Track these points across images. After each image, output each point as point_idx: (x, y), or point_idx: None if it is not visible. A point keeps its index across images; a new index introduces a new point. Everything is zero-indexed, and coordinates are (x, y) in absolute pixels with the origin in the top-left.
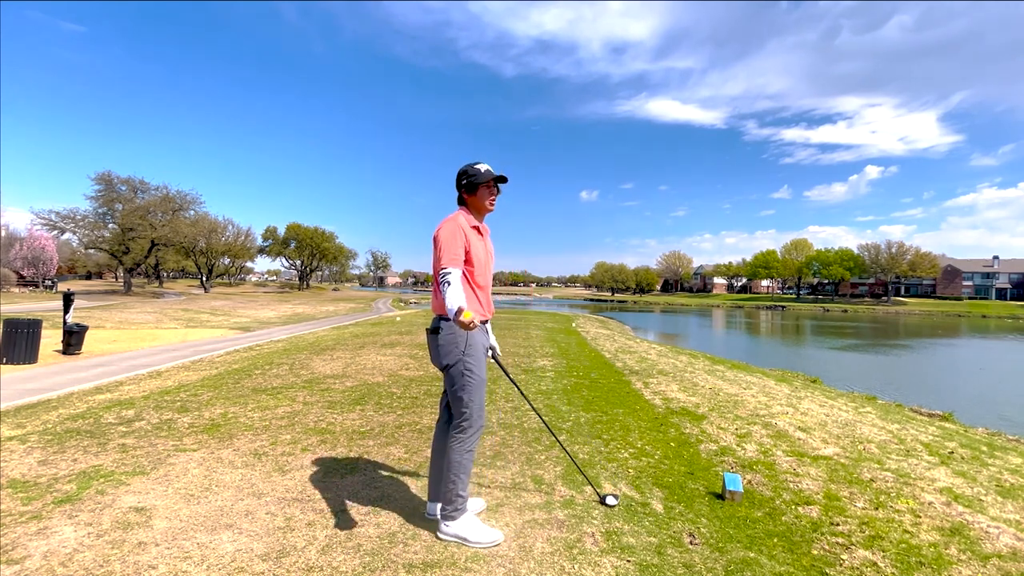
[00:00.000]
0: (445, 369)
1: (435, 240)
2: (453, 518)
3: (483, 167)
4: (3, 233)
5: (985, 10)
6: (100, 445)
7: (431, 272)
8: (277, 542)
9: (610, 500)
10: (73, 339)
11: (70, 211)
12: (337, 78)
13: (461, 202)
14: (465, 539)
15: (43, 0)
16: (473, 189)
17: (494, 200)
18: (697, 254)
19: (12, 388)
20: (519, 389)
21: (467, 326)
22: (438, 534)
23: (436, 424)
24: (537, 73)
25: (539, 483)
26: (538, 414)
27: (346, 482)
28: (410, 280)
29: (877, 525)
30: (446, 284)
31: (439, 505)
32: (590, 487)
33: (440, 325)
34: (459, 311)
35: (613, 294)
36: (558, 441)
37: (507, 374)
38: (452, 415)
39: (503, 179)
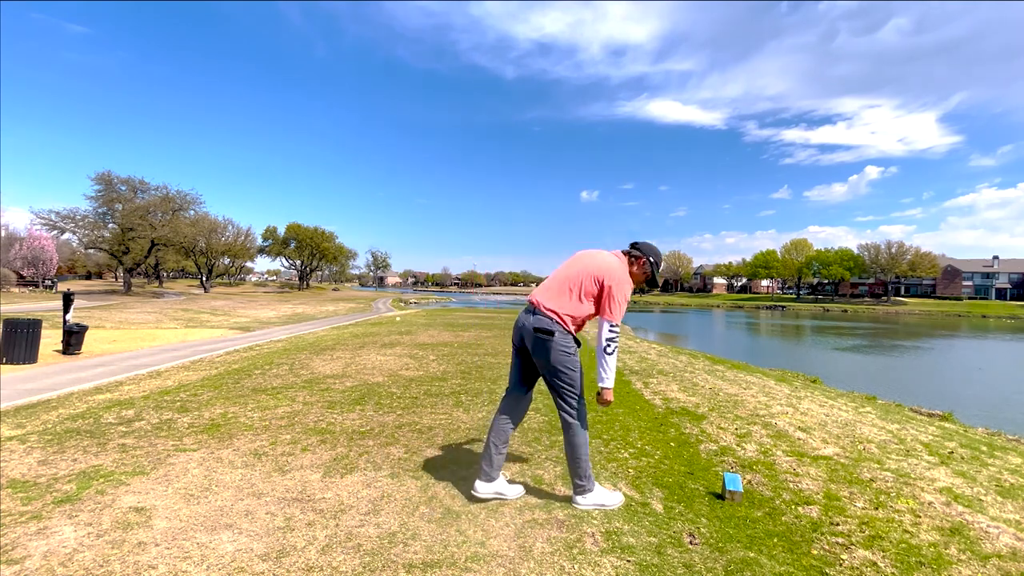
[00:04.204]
0: (552, 368)
1: (610, 287)
2: (590, 490)
3: (662, 267)
4: (3, 233)
5: (983, 13)
6: (100, 445)
7: (572, 285)
8: (277, 542)
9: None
10: (73, 339)
11: (70, 211)
12: (338, 79)
13: (629, 256)
14: (603, 505)
15: (47, 0)
16: (643, 274)
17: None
18: (697, 254)
19: (12, 388)
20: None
21: (606, 404)
22: (578, 507)
23: (500, 404)
24: (537, 75)
25: (539, 483)
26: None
27: (346, 482)
28: (410, 280)
29: (877, 525)
30: (610, 351)
31: (496, 483)
32: None
33: (555, 330)
34: (607, 391)
35: None
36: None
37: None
38: (561, 408)
39: (655, 284)
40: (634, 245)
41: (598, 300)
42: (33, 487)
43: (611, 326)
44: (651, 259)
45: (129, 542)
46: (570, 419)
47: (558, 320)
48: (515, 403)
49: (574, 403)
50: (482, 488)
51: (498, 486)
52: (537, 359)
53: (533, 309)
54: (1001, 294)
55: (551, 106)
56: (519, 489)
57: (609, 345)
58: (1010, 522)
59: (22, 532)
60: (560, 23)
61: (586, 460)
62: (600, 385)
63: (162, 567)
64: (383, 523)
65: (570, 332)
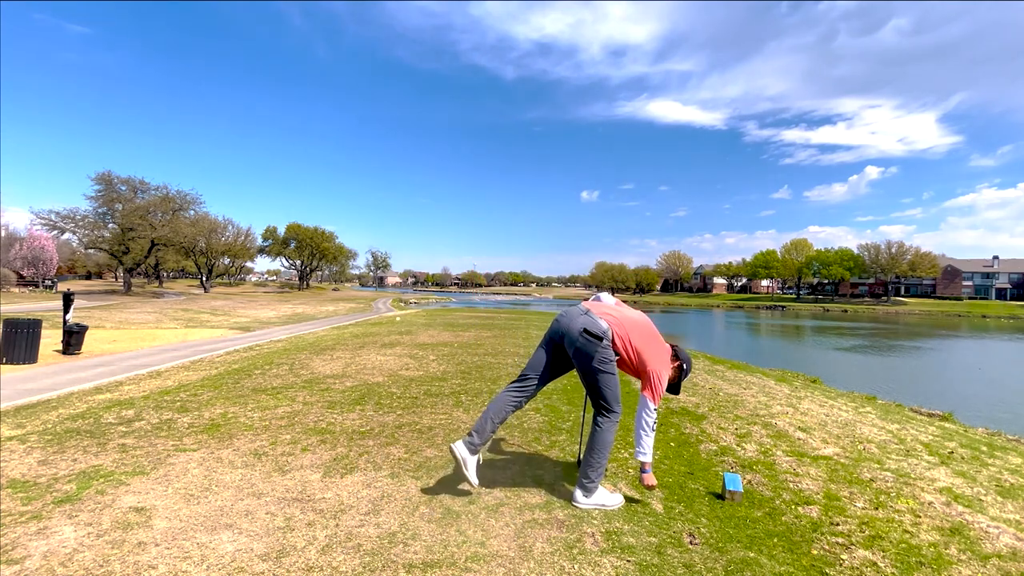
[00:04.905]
0: (594, 371)
1: (656, 371)
2: (594, 490)
3: (687, 377)
4: (3, 233)
5: (982, 13)
6: (100, 445)
7: (627, 343)
8: (277, 542)
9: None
10: (73, 339)
11: (70, 211)
12: (339, 80)
13: (673, 353)
14: (604, 505)
15: (48, 0)
16: (675, 375)
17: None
18: (697, 254)
19: (12, 388)
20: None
21: (652, 488)
22: (578, 506)
23: (509, 384)
24: (537, 75)
25: (539, 483)
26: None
27: (346, 482)
28: (410, 280)
29: (877, 525)
30: (652, 429)
31: (473, 456)
32: None
33: (605, 337)
34: (649, 476)
35: (613, 294)
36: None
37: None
38: (598, 409)
39: (676, 389)
40: (675, 351)
41: (631, 369)
42: (33, 487)
43: (654, 408)
44: (684, 366)
45: (129, 542)
46: (609, 416)
47: (608, 335)
48: (526, 392)
49: (612, 404)
50: (459, 449)
51: (471, 459)
52: (577, 360)
53: (587, 311)
54: (1001, 294)
55: (551, 106)
56: (476, 479)
57: (654, 424)
58: (1010, 522)
59: (22, 532)
60: (560, 23)
61: (605, 461)
62: (640, 459)
63: (162, 567)
64: (383, 523)
65: (613, 349)
